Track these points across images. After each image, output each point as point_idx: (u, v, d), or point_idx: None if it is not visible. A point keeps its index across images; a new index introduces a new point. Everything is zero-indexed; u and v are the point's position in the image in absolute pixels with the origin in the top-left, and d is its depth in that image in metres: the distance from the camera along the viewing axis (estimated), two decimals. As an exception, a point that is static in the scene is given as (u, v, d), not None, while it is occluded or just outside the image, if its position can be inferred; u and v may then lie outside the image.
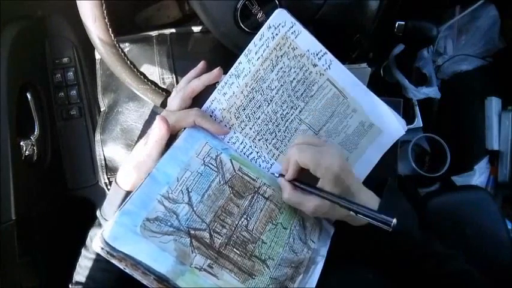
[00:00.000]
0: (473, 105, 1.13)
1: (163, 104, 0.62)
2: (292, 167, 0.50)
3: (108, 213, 0.51)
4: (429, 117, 1.09)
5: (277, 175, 0.54)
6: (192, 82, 0.55)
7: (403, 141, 1.05)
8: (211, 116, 0.54)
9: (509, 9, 1.11)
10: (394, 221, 0.44)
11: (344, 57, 0.73)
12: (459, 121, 1.14)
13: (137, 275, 0.40)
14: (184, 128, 0.52)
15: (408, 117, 1.04)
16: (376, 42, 0.91)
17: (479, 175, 1.08)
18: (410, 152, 1.02)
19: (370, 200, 0.50)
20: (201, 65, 0.59)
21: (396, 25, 0.78)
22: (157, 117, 0.50)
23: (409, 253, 0.51)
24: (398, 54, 1.00)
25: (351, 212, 0.47)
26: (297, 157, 0.49)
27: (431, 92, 1.03)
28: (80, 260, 0.53)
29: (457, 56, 1.14)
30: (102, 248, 0.40)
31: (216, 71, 0.55)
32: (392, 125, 0.56)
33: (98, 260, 0.51)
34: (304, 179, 0.51)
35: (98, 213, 0.53)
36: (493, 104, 1.11)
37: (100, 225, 0.52)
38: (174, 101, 0.55)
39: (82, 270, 0.53)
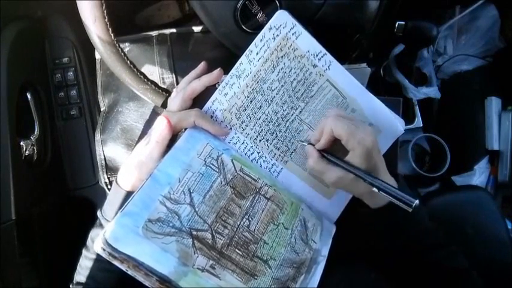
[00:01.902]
0: (473, 105, 1.13)
1: (164, 105, 0.62)
2: (326, 136, 0.50)
3: (109, 213, 0.51)
4: (429, 117, 1.09)
5: (306, 143, 0.54)
6: (192, 83, 0.55)
7: (403, 141, 1.05)
8: (212, 116, 0.54)
9: (509, 9, 1.11)
10: (417, 201, 0.45)
11: (344, 57, 0.73)
12: (459, 121, 1.14)
13: (139, 277, 0.40)
14: (185, 129, 0.52)
15: (408, 117, 1.04)
16: (376, 42, 0.91)
17: (479, 175, 1.08)
18: (410, 152, 1.03)
19: (391, 182, 0.51)
20: (202, 65, 0.59)
21: (396, 25, 0.78)
22: (159, 118, 0.50)
23: (419, 242, 0.51)
24: (398, 54, 1.00)
25: (374, 189, 0.47)
26: (333, 126, 0.49)
27: (431, 92, 1.03)
28: (80, 260, 0.53)
29: (457, 56, 1.14)
30: (103, 249, 0.40)
31: (217, 72, 0.55)
32: (390, 125, 0.56)
33: (99, 260, 0.51)
34: (330, 151, 0.51)
35: (98, 213, 0.53)
36: (493, 104, 1.11)
37: (101, 225, 0.52)
38: (175, 101, 0.55)
39: (83, 271, 0.53)
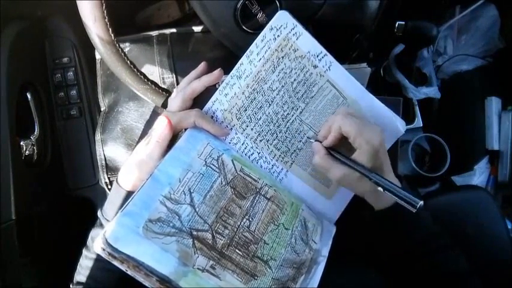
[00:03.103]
0: (473, 105, 1.13)
1: (164, 105, 0.62)
2: (334, 133, 0.51)
3: (109, 213, 0.51)
4: (429, 117, 1.09)
5: (313, 140, 0.54)
6: (192, 83, 0.55)
7: (403, 141, 1.05)
8: (212, 116, 0.54)
9: (509, 9, 1.11)
10: (421, 202, 0.45)
11: (344, 57, 0.73)
12: (459, 121, 1.14)
13: (139, 277, 0.40)
14: (186, 129, 0.52)
15: (408, 117, 1.04)
16: (376, 42, 0.91)
17: (479, 175, 1.08)
18: (410, 152, 1.03)
19: (395, 183, 0.51)
20: (202, 66, 0.59)
21: (396, 25, 0.78)
22: (160, 117, 0.50)
23: (423, 245, 0.51)
24: (398, 54, 1.00)
25: (379, 188, 0.47)
26: (341, 123, 0.49)
27: (431, 92, 1.03)
28: (80, 260, 0.53)
29: (457, 56, 1.14)
30: (103, 249, 0.40)
31: (217, 72, 0.55)
32: (391, 126, 0.57)
33: (99, 260, 0.51)
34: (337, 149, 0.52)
35: (99, 213, 0.53)
36: (493, 104, 1.11)
37: (101, 225, 0.52)
38: (175, 101, 0.55)
39: (83, 270, 0.53)
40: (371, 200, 0.52)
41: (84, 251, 0.53)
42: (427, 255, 0.51)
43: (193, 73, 0.58)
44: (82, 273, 0.52)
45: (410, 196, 0.46)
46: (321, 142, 0.53)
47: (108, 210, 0.52)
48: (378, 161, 0.49)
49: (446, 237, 0.52)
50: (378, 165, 0.49)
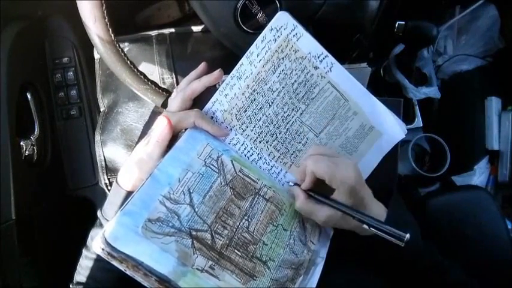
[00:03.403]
0: (473, 105, 1.13)
1: (164, 105, 0.62)
2: (309, 178, 0.51)
3: (109, 213, 0.51)
4: (429, 117, 1.09)
5: (292, 184, 0.54)
6: (192, 83, 0.55)
7: (403, 141, 1.05)
8: (212, 117, 0.54)
9: (509, 9, 1.11)
10: (408, 236, 0.44)
11: (344, 57, 0.73)
12: (459, 121, 1.14)
13: (138, 277, 0.40)
14: (185, 129, 0.52)
15: (408, 117, 1.04)
16: (376, 42, 0.91)
17: (479, 175, 1.08)
18: (410, 152, 1.02)
19: (380, 211, 0.51)
20: (202, 66, 0.59)
21: (396, 25, 0.78)
22: (160, 117, 0.50)
23: (413, 264, 0.52)
24: (398, 54, 1.00)
25: (363, 225, 0.47)
26: (313, 168, 0.49)
27: (431, 92, 1.03)
28: (80, 260, 0.53)
29: (457, 56, 1.14)
30: (102, 249, 0.40)
31: (217, 72, 0.55)
32: (392, 128, 0.57)
33: (99, 260, 0.51)
34: (317, 189, 0.51)
35: (98, 213, 0.53)
36: (493, 104, 1.11)
37: (101, 225, 0.52)
38: (175, 101, 0.55)
39: (83, 270, 0.53)
40: (362, 233, 0.52)
41: (84, 251, 0.53)
42: (422, 272, 0.52)
43: (193, 73, 0.58)
44: (82, 273, 0.53)
45: (395, 231, 0.45)
46: (299, 186, 0.53)
47: (108, 210, 0.52)
48: (357, 196, 0.49)
49: (437, 252, 0.53)
50: (359, 201, 0.49)
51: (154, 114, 0.73)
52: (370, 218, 0.47)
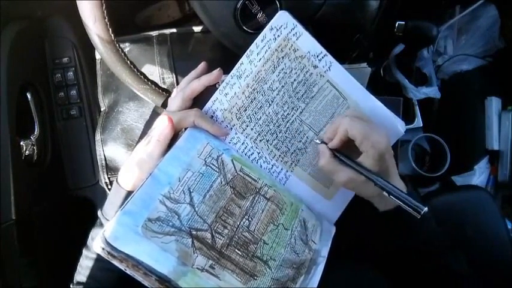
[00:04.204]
0: (473, 105, 1.13)
1: (164, 105, 0.62)
2: (339, 136, 0.50)
3: (109, 213, 0.51)
4: (429, 117, 1.09)
5: (319, 141, 0.54)
6: (192, 83, 0.55)
7: (403, 141, 1.05)
8: (212, 116, 0.54)
9: (509, 9, 1.11)
10: (426, 208, 0.45)
11: (344, 57, 0.73)
12: (459, 121, 1.14)
13: (138, 276, 0.40)
14: (186, 129, 0.52)
15: (408, 117, 1.04)
16: (376, 42, 0.91)
17: (479, 175, 1.08)
18: (410, 152, 1.03)
19: (400, 185, 0.51)
20: (202, 66, 0.59)
21: (396, 25, 0.78)
22: (161, 116, 0.50)
23: (426, 246, 0.51)
24: (398, 54, 1.00)
25: (384, 193, 0.47)
26: (348, 126, 0.49)
27: (431, 92, 1.03)
28: (81, 259, 0.53)
29: (457, 56, 1.14)
30: (102, 249, 0.40)
31: (216, 72, 0.55)
32: (391, 126, 0.57)
33: (99, 259, 0.51)
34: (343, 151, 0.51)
35: (99, 213, 0.53)
36: (493, 104, 1.11)
37: (101, 225, 0.52)
38: (175, 101, 0.55)
39: (83, 270, 0.52)
40: (377, 203, 0.52)
41: (84, 251, 0.53)
42: (429, 255, 0.51)
43: (193, 73, 0.59)
44: (82, 273, 0.52)
45: (415, 202, 0.46)
46: (326, 144, 0.53)
47: (108, 210, 0.52)
48: (383, 165, 0.49)
49: (447, 239, 0.52)
50: (384, 169, 0.49)
51: (155, 114, 0.73)
52: (391, 185, 0.47)
